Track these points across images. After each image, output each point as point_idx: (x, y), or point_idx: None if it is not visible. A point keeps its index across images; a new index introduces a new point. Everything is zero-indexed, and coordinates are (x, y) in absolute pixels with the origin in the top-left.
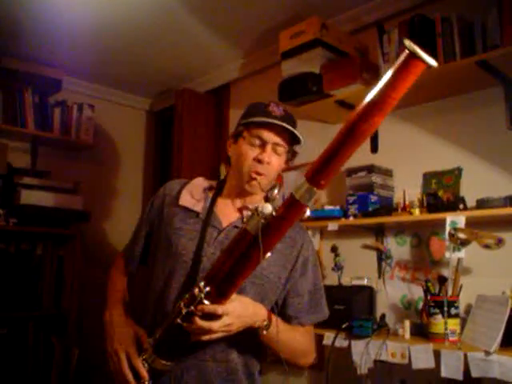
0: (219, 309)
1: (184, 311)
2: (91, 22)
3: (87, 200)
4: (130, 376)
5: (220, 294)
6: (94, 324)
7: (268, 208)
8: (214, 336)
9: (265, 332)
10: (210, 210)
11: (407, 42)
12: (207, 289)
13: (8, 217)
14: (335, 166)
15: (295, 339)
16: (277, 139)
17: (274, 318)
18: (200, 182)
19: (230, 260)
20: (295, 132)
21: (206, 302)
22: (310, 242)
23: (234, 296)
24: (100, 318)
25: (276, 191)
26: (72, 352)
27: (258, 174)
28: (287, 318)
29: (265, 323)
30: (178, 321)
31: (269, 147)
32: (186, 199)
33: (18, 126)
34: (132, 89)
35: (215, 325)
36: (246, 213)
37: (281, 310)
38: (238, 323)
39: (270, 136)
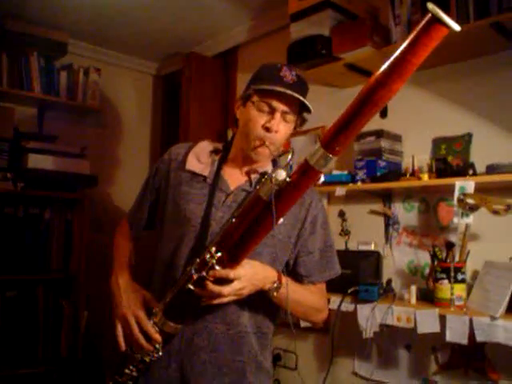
0: (231, 273)
1: (195, 277)
2: None
3: (94, 164)
4: (142, 339)
5: (231, 260)
6: (102, 287)
7: (282, 174)
8: (225, 300)
9: (275, 294)
10: (217, 173)
11: (431, 6)
12: (218, 254)
13: (16, 181)
14: (351, 132)
15: (307, 298)
16: (286, 108)
17: (285, 279)
18: (205, 146)
19: (242, 225)
20: (306, 102)
21: (217, 267)
22: (319, 200)
23: (244, 261)
24: (107, 281)
25: (290, 157)
26: (81, 314)
27: (265, 141)
28: (299, 278)
29: (275, 285)
30: (190, 286)
31: (278, 115)
32: (192, 164)
33: (24, 90)
34: (139, 52)
35: (226, 289)
36: (254, 176)
37: (292, 269)
38: (249, 287)
39: (279, 104)
